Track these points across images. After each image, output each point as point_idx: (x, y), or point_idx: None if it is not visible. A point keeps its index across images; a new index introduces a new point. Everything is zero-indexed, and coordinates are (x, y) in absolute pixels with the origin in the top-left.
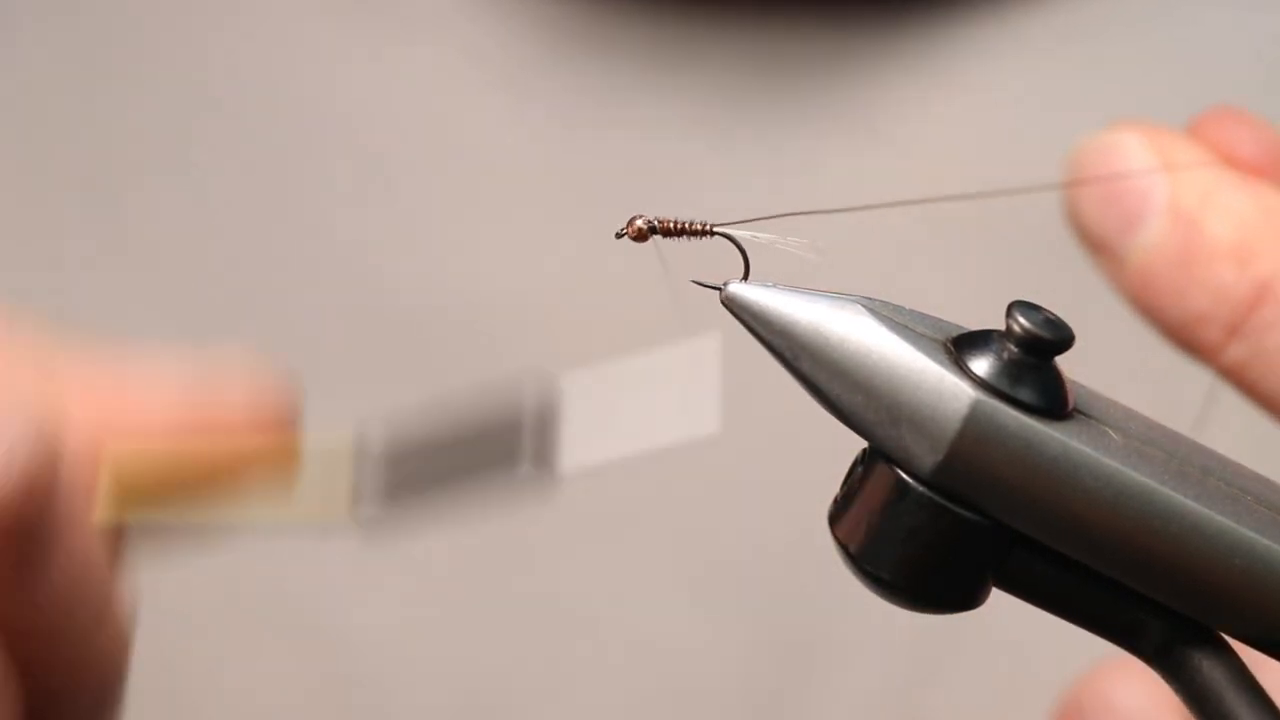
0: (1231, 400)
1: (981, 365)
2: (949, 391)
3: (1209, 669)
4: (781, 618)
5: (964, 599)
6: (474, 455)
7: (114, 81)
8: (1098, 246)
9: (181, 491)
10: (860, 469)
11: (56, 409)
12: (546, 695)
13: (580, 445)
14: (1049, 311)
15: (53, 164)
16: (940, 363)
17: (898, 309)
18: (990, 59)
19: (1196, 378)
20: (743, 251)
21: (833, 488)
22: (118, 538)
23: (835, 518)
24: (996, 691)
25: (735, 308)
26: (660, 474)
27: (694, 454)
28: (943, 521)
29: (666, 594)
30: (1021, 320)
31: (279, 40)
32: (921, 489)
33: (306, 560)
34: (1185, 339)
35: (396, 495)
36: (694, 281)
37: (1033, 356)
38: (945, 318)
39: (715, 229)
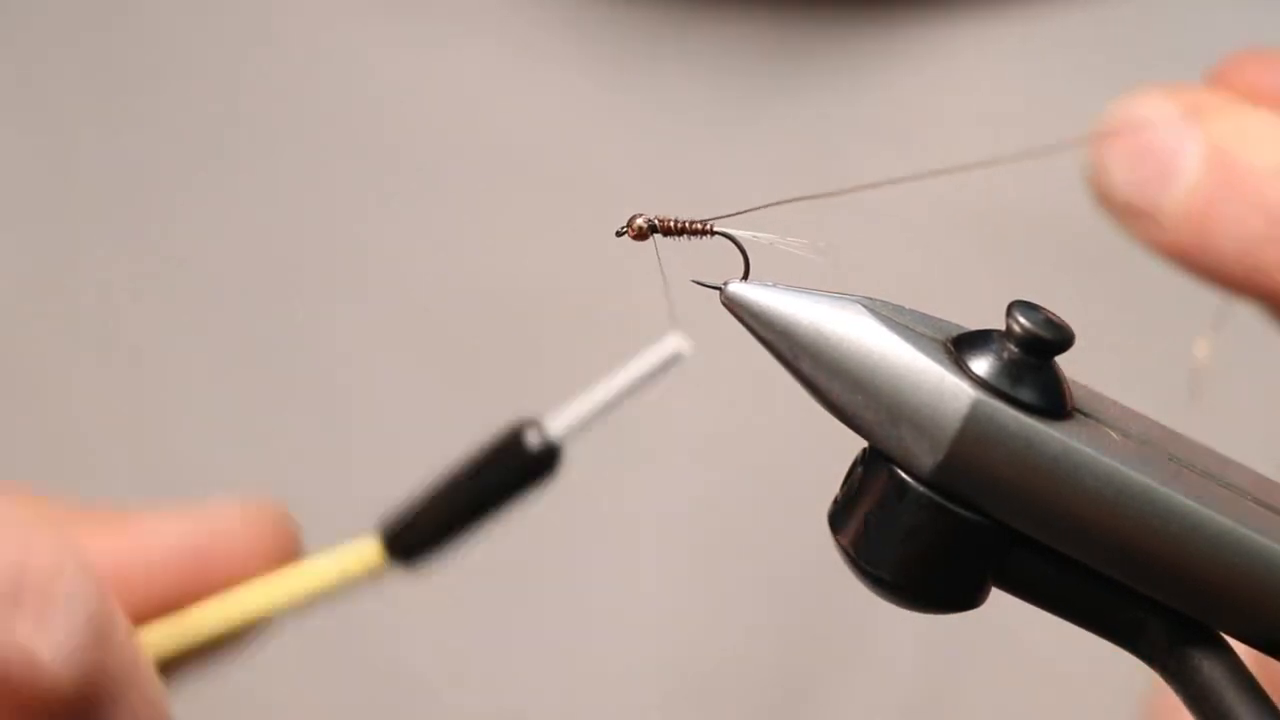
0: (1216, 382)
1: (982, 365)
2: (949, 391)
3: (1209, 669)
4: (803, 618)
5: (964, 599)
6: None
7: (160, 77)
8: (1129, 210)
9: (213, 637)
10: (860, 469)
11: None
12: (579, 708)
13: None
14: (1049, 311)
15: (92, 169)
16: (940, 363)
17: (898, 309)
18: (998, 49)
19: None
20: (743, 251)
21: (835, 487)
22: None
23: (835, 518)
24: (1015, 688)
25: (735, 307)
26: (681, 478)
27: (713, 455)
28: (942, 521)
29: (689, 597)
30: (1021, 320)
31: (312, 39)
32: (921, 489)
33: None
34: (1246, 270)
35: (428, 542)
36: (694, 281)
37: (1033, 356)
38: (946, 317)
39: (716, 228)
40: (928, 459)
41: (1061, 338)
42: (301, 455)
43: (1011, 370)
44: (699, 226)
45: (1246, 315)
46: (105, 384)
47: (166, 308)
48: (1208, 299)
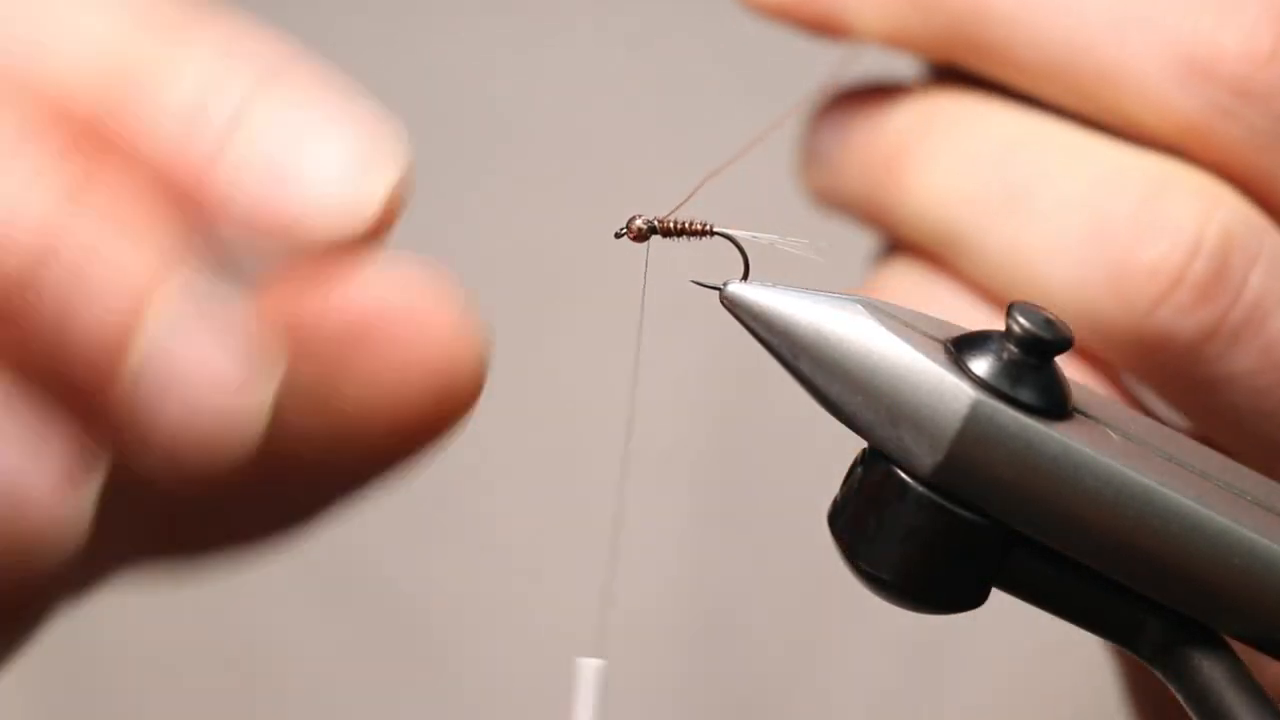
0: None
1: (981, 366)
2: (949, 392)
3: (1209, 669)
4: (783, 617)
5: (964, 599)
6: None
7: None
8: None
9: None
10: (860, 469)
11: None
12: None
13: None
14: (1049, 312)
15: None
16: (940, 363)
17: (898, 309)
18: None
19: None
20: (742, 251)
21: (834, 488)
22: None
23: (835, 518)
24: (999, 690)
25: (735, 308)
26: (672, 486)
27: (702, 464)
28: (942, 521)
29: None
30: (1021, 320)
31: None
32: (921, 489)
33: (367, 522)
34: None
35: None
36: (694, 282)
37: (1032, 357)
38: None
39: (715, 229)
40: (927, 459)
41: (1061, 338)
42: None
43: (1011, 371)
44: (698, 227)
45: None
46: None
47: None
48: None
